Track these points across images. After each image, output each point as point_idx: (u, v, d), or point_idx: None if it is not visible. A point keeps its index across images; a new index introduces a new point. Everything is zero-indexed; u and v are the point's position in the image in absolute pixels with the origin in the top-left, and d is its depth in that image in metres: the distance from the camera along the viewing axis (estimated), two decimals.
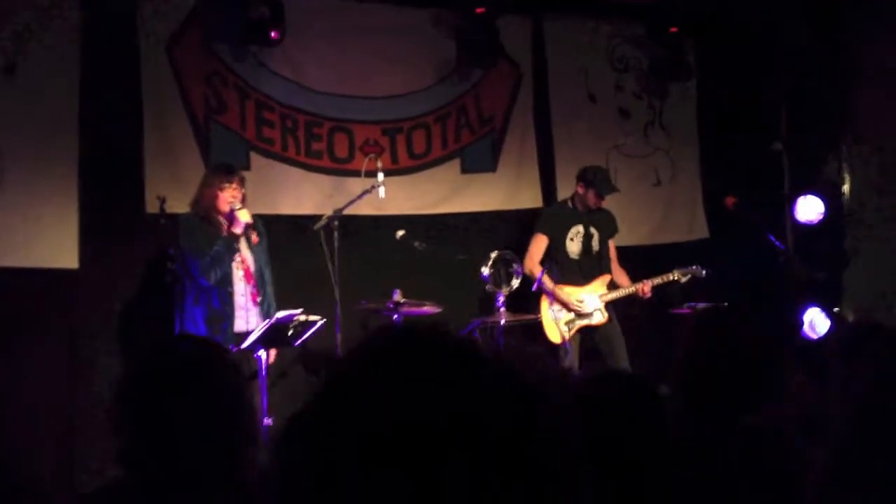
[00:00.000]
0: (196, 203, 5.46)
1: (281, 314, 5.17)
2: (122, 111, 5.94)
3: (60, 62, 5.75)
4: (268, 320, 5.17)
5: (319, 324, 5.33)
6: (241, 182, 5.43)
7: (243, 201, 5.39)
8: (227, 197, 5.34)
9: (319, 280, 5.72)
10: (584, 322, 6.45)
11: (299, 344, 5.31)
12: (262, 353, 5.13)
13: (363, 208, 6.17)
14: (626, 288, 6.53)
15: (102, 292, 5.87)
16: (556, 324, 6.40)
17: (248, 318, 5.41)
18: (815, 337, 6.70)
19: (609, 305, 6.52)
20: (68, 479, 5.65)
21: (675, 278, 6.49)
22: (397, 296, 5.59)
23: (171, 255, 5.30)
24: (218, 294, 5.36)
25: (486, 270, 5.99)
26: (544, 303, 6.44)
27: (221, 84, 6.29)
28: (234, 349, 5.07)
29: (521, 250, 6.49)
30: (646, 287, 6.46)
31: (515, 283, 6.10)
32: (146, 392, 1.98)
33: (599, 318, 6.47)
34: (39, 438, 5.57)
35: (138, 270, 5.94)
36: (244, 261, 5.47)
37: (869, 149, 7.11)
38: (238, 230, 5.36)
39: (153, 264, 5.78)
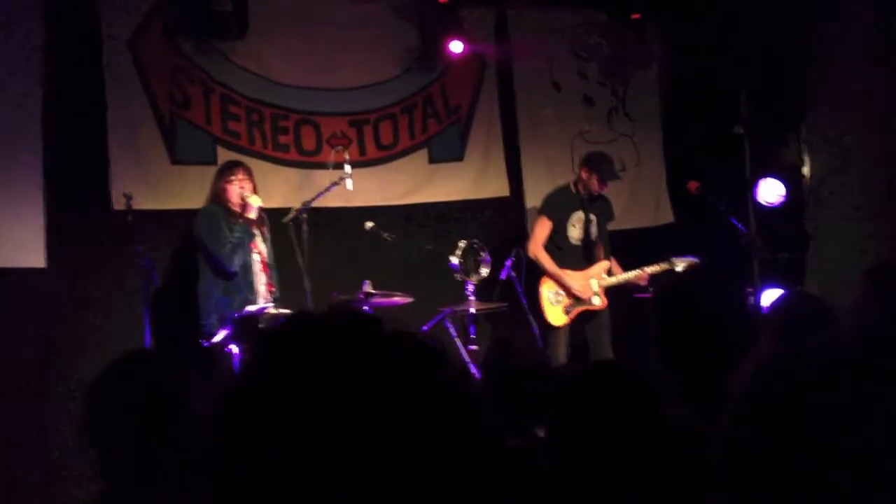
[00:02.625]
0: (215, 196, 5.61)
1: (251, 307, 5.20)
2: (85, 108, 5.92)
3: (22, 60, 5.70)
4: (236, 315, 5.19)
5: None
6: (247, 172, 5.65)
7: (254, 191, 5.62)
8: (236, 188, 5.55)
9: (289, 272, 5.75)
10: (584, 306, 6.54)
11: None
12: (233, 347, 5.15)
13: (332, 200, 6.19)
14: (625, 274, 6.63)
15: (71, 291, 5.85)
16: (556, 307, 6.48)
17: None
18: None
19: (605, 291, 6.61)
20: (43, 485, 5.63)
21: (672, 266, 6.57)
22: (367, 287, 5.62)
23: (139, 252, 5.30)
24: (244, 282, 5.52)
25: (455, 259, 6.04)
26: (545, 286, 6.52)
27: (185, 79, 6.27)
28: (206, 344, 5.10)
29: (489, 239, 6.54)
30: (644, 274, 6.57)
31: (484, 271, 6.14)
32: (115, 404, 1.98)
33: (598, 302, 6.57)
34: (11, 439, 5.53)
35: (106, 268, 5.92)
36: (260, 253, 5.64)
37: (827, 130, 7.22)
38: (252, 215, 5.55)
39: (121, 262, 5.76)
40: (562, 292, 6.52)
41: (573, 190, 6.70)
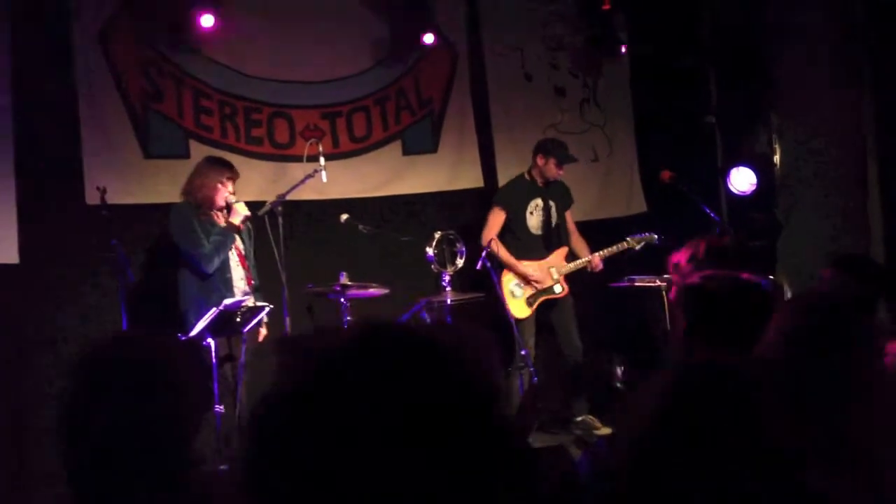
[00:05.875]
0: (190, 193, 5.53)
1: (228, 301, 5.19)
2: (57, 102, 5.87)
3: None
4: (214, 308, 5.17)
5: (266, 310, 5.38)
6: (237, 176, 5.62)
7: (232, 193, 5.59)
8: (225, 192, 5.51)
9: (265, 266, 5.74)
10: (546, 295, 6.57)
11: (247, 330, 5.33)
12: (210, 340, 5.14)
13: (306, 193, 6.18)
14: (581, 259, 6.65)
15: (45, 286, 5.81)
16: (519, 299, 6.51)
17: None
18: None
19: (565, 278, 6.64)
20: (17, 481, 5.59)
21: (629, 246, 6.62)
22: (343, 278, 5.63)
23: (114, 245, 5.27)
24: (220, 281, 5.47)
25: (430, 251, 6.05)
26: (505, 278, 6.53)
27: (157, 72, 6.23)
28: (183, 338, 5.07)
29: (463, 230, 6.56)
30: (595, 259, 6.60)
31: (460, 262, 6.17)
32: (85, 403, 1.91)
33: (559, 290, 6.60)
34: None
35: (81, 262, 5.88)
36: (237, 247, 5.60)
37: (798, 119, 7.30)
38: (237, 220, 5.50)
39: (95, 256, 5.73)
40: (522, 283, 6.54)
41: (528, 178, 6.72)
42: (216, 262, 5.46)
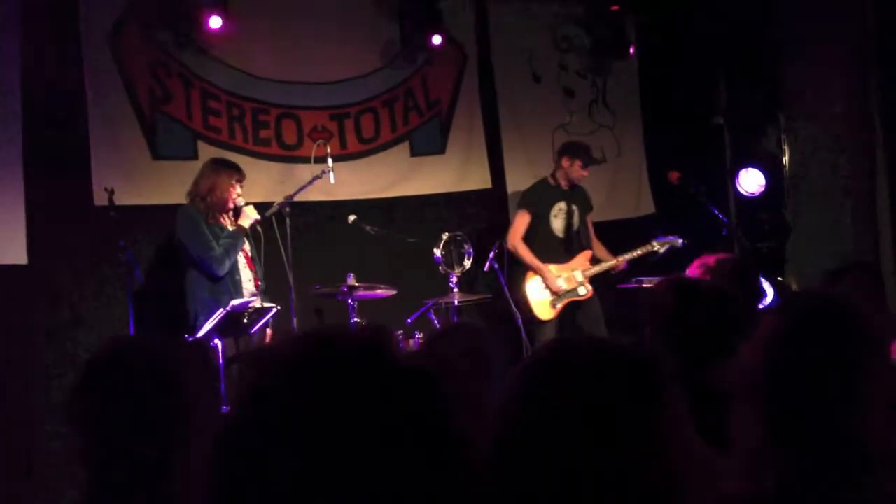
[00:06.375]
0: (200, 195, 5.53)
1: (235, 302, 5.19)
2: (66, 103, 5.88)
3: (1, 57, 5.67)
4: (222, 309, 5.18)
5: (274, 311, 5.38)
6: (244, 178, 5.66)
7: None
8: (235, 193, 5.56)
9: (273, 267, 5.74)
10: (570, 297, 6.58)
11: (255, 332, 5.34)
12: (217, 341, 5.14)
13: (314, 194, 6.19)
14: (606, 262, 6.68)
15: (53, 287, 5.82)
16: (543, 301, 6.52)
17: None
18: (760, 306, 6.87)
19: (590, 280, 6.66)
20: (25, 482, 5.61)
21: (655, 249, 6.63)
22: (351, 280, 5.63)
23: (122, 247, 5.28)
24: (230, 283, 5.49)
25: (438, 252, 6.05)
26: (529, 280, 6.55)
27: (165, 74, 6.24)
28: (190, 339, 5.09)
29: (471, 231, 6.56)
30: (620, 263, 6.63)
31: (467, 263, 6.17)
32: (104, 384, 1.95)
33: (583, 292, 6.61)
34: None
35: (89, 264, 5.89)
36: (244, 249, 5.63)
37: (806, 120, 7.28)
38: (247, 223, 5.53)
39: (104, 257, 5.74)
40: (546, 286, 6.55)
41: (552, 182, 6.73)
42: (227, 265, 5.47)
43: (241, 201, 5.57)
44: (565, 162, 6.67)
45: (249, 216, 5.55)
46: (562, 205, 6.71)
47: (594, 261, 6.73)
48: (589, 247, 6.79)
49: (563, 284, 6.56)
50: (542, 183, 6.81)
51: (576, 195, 6.77)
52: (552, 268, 6.58)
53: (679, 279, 2.97)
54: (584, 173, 6.69)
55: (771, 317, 1.85)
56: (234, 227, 5.56)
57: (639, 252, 6.64)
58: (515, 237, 6.57)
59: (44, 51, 5.80)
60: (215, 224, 5.53)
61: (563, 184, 6.71)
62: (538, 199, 6.69)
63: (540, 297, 6.55)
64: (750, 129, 7.45)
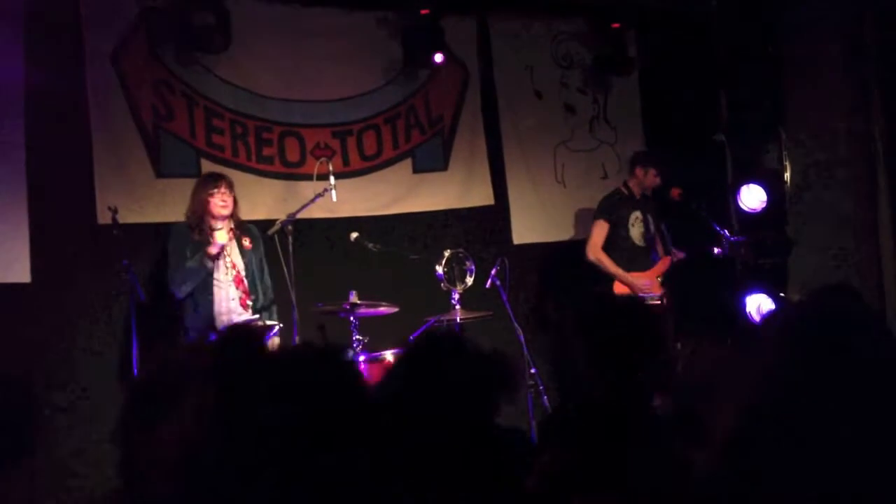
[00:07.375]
0: (189, 212, 5.59)
1: (238, 320, 5.20)
2: (69, 122, 5.90)
3: (3, 76, 5.69)
4: (222, 327, 5.19)
5: (276, 329, 5.39)
6: (229, 186, 5.63)
7: (235, 205, 5.61)
8: (218, 202, 5.55)
9: (275, 284, 5.76)
10: (655, 301, 6.66)
11: None
12: None
13: (316, 212, 6.20)
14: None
15: (56, 305, 5.83)
16: None
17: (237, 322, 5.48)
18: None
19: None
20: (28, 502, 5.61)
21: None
22: (353, 297, 5.63)
23: (125, 265, 5.29)
24: (203, 301, 5.50)
25: (440, 269, 6.06)
26: (616, 290, 6.62)
27: (168, 92, 6.27)
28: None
29: (473, 248, 6.56)
30: (676, 254, 6.85)
31: (469, 280, 6.16)
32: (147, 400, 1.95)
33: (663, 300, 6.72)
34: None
35: (92, 282, 5.90)
36: (234, 266, 5.60)
37: (808, 136, 7.29)
38: (214, 250, 5.49)
39: (107, 275, 5.75)
40: (633, 293, 6.59)
41: (625, 192, 6.83)
42: (184, 288, 5.47)
43: (224, 211, 5.56)
44: (639, 171, 6.80)
45: (217, 242, 5.50)
46: (637, 213, 6.82)
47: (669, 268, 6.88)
48: (668, 253, 6.89)
49: (649, 289, 6.63)
50: (616, 193, 6.91)
51: (648, 204, 6.90)
52: (635, 275, 6.68)
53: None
54: (658, 181, 6.80)
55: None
56: (207, 252, 5.50)
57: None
58: (596, 248, 6.67)
59: (47, 68, 5.82)
60: (202, 241, 5.53)
61: (637, 192, 6.82)
62: (614, 209, 6.78)
63: None
64: (751, 146, 7.45)
